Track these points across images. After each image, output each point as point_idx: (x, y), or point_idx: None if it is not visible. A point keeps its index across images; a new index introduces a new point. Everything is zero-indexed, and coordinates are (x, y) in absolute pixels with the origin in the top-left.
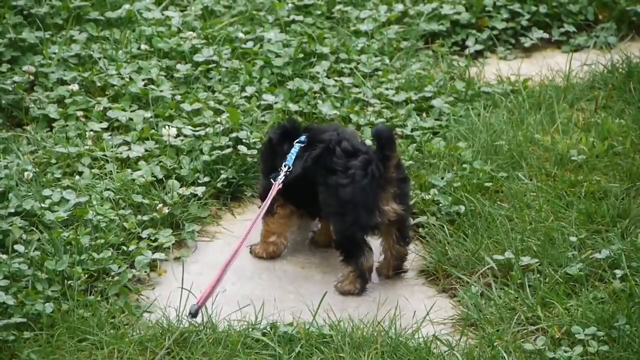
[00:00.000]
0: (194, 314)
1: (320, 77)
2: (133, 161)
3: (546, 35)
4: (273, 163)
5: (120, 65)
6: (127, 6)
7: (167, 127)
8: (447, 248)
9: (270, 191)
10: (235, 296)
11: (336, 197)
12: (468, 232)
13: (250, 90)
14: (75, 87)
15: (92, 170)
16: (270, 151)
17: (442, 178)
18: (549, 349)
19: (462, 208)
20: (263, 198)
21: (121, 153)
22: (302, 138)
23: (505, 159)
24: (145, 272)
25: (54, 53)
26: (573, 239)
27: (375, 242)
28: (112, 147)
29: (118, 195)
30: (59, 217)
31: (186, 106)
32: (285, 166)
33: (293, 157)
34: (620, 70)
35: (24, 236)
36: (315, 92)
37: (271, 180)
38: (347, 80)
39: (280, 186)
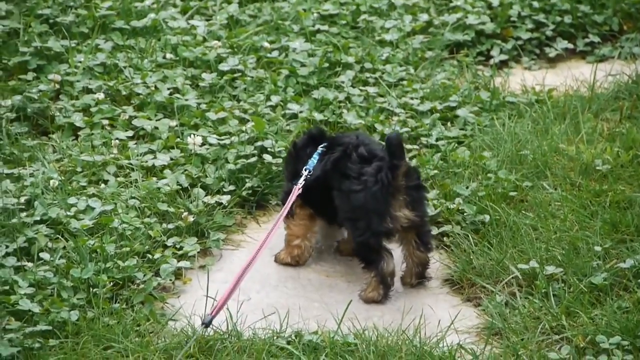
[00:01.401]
0: (207, 324)
1: (345, 87)
2: (158, 169)
3: (571, 46)
4: (296, 168)
5: (145, 74)
6: (152, 15)
7: (192, 135)
8: (471, 257)
9: (290, 195)
10: (260, 304)
11: (349, 202)
12: (493, 242)
13: (275, 99)
14: (100, 95)
15: (118, 179)
16: (294, 156)
17: (467, 187)
18: (574, 358)
19: (487, 217)
20: (284, 202)
21: (146, 161)
22: (326, 143)
23: (530, 169)
24: (171, 280)
25: (80, 62)
26: (598, 248)
27: (397, 252)
28: (138, 156)
29: (143, 203)
30: (85, 225)
31: (211, 115)
32: (306, 170)
33: (315, 161)
34: None
35: (50, 244)
36: (340, 102)
37: (292, 184)
38: (372, 90)
39: (300, 190)
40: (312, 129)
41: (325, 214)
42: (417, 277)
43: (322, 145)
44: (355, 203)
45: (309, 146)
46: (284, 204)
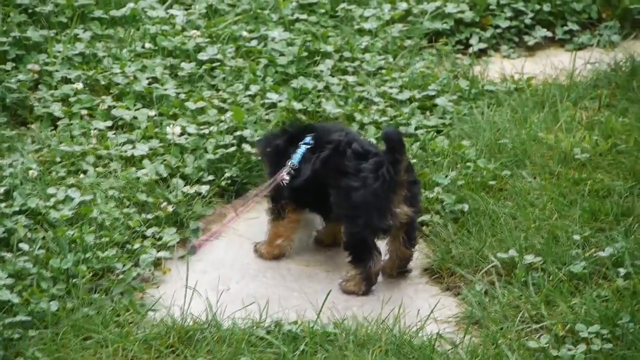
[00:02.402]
0: (192, 252)
1: (324, 76)
2: (137, 159)
3: (550, 34)
4: (280, 166)
5: (124, 63)
6: (131, 5)
7: (171, 125)
8: (451, 246)
9: (274, 181)
10: (240, 294)
11: (348, 199)
12: (472, 230)
13: (254, 88)
14: (79, 85)
15: (97, 169)
16: (276, 154)
17: (446, 176)
18: (553, 347)
19: (466, 206)
20: (275, 200)
21: (125, 151)
22: (308, 139)
23: (509, 157)
24: (150, 270)
25: (59, 51)
26: (577, 237)
27: (380, 243)
28: (117, 146)
29: (122, 193)
30: (64, 215)
31: (190, 105)
32: (290, 163)
33: (299, 156)
34: (623, 68)
35: (29, 234)
36: (319, 91)
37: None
38: (351, 79)
39: (287, 182)
40: (288, 126)
41: (319, 210)
42: (398, 269)
43: (303, 142)
44: (355, 200)
45: (290, 144)
46: (274, 202)
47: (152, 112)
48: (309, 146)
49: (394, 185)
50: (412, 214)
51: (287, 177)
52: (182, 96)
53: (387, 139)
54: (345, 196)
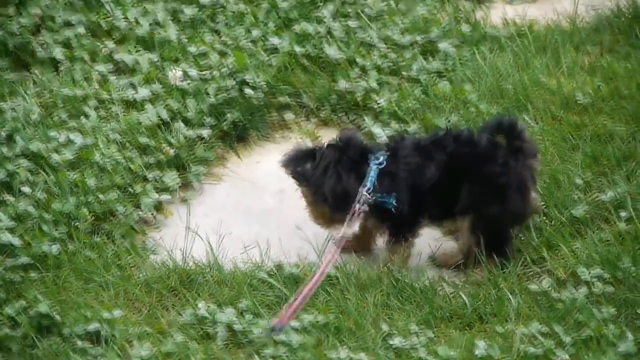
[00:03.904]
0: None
1: (326, 20)
2: (139, 103)
3: None
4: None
5: (126, 8)
6: None
7: (173, 69)
8: None
9: (352, 214)
10: (241, 237)
11: (492, 187)
12: None
13: (256, 33)
14: (81, 29)
15: (98, 113)
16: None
17: (448, 121)
18: (554, 290)
19: None
20: (397, 231)
21: (127, 95)
22: (381, 159)
23: (511, 102)
24: (151, 213)
25: None
26: (579, 181)
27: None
28: (118, 90)
29: (124, 137)
30: (65, 159)
31: (192, 49)
32: (364, 187)
33: (373, 178)
34: (626, 14)
35: (30, 178)
36: (321, 35)
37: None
38: (353, 23)
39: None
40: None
41: (434, 213)
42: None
43: (375, 162)
44: (502, 184)
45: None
46: (396, 235)
47: (154, 56)
48: (381, 165)
49: (532, 170)
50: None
51: (366, 207)
52: (184, 40)
53: (511, 128)
54: (488, 184)
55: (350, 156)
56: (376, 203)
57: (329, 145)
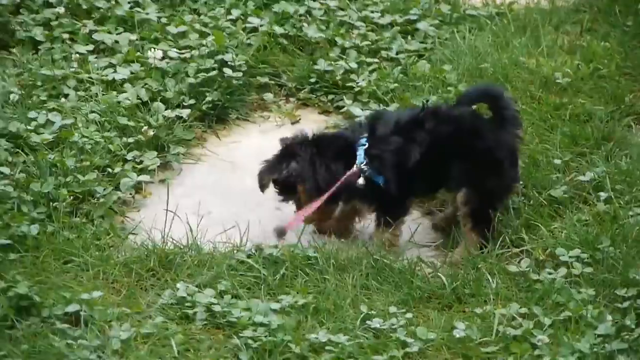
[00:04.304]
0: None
1: (305, 0)
2: (118, 84)
3: None
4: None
5: None
6: None
7: (152, 49)
8: None
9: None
10: (220, 218)
11: (485, 159)
12: None
13: (235, 13)
14: (61, 9)
15: (78, 93)
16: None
17: (427, 100)
18: (533, 271)
19: None
20: (390, 208)
21: (107, 75)
22: (363, 141)
23: (490, 82)
24: (131, 194)
25: None
26: (557, 161)
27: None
28: (98, 70)
29: (103, 117)
30: (45, 139)
31: (172, 29)
32: (360, 166)
33: (362, 157)
34: None
35: (10, 158)
36: (300, 15)
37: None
38: (332, 3)
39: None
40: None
41: (427, 189)
42: None
43: (360, 145)
44: (495, 157)
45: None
46: (390, 213)
47: (134, 36)
48: (365, 146)
49: (519, 139)
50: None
51: (362, 181)
52: (164, 20)
53: (497, 97)
54: (480, 157)
55: (331, 146)
56: (369, 178)
57: (300, 142)
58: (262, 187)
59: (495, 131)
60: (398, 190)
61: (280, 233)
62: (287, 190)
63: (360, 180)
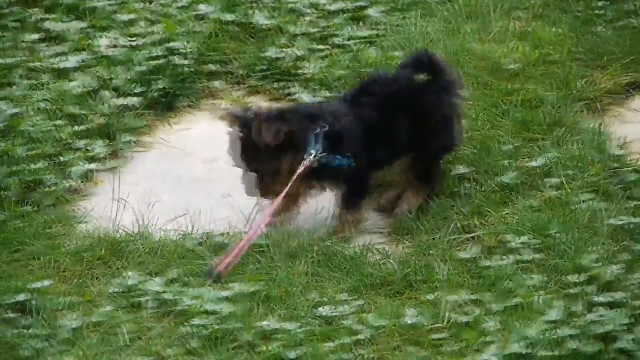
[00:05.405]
0: (215, 279)
1: None
2: (68, 72)
3: None
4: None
5: None
6: None
7: (102, 37)
8: None
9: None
10: (171, 206)
11: (430, 119)
12: None
13: (185, 0)
14: None
15: (28, 81)
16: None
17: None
18: (484, 258)
19: None
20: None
21: (57, 64)
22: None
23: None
24: (81, 182)
25: None
26: (509, 147)
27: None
28: (48, 58)
29: (54, 106)
30: None
31: (121, 16)
32: (312, 154)
33: (318, 145)
34: None
35: None
36: (250, 2)
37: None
38: None
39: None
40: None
41: (386, 160)
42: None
43: (316, 132)
44: (440, 117)
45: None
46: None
47: (84, 25)
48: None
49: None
50: None
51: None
52: (113, 8)
53: (431, 61)
54: (426, 118)
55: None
56: (325, 163)
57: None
58: (277, 138)
59: (434, 93)
60: (366, 164)
61: (213, 276)
62: (273, 156)
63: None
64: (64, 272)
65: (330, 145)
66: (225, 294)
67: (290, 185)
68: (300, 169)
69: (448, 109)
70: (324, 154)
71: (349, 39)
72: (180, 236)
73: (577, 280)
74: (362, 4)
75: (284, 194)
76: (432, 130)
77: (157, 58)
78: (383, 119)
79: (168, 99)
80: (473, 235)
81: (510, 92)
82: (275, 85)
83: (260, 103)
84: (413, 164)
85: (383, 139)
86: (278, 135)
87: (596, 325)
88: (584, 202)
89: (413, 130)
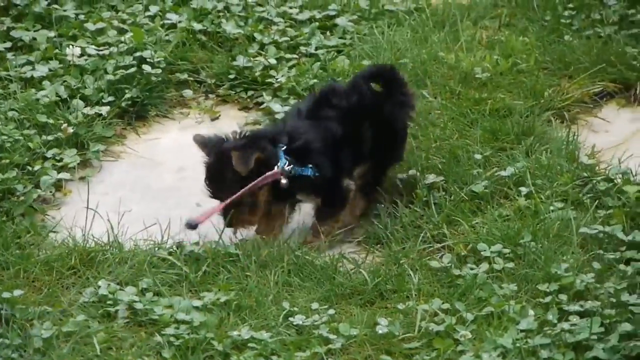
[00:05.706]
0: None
1: None
2: (37, 81)
3: None
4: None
5: None
6: None
7: (71, 46)
8: None
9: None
10: (141, 215)
11: (394, 127)
12: None
13: (154, 9)
14: None
15: None
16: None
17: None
18: (455, 267)
19: None
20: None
21: (25, 73)
22: (281, 145)
23: (410, 77)
24: (51, 192)
25: None
26: (478, 156)
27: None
28: (16, 67)
29: (22, 115)
30: None
31: (90, 25)
32: (285, 169)
33: (285, 160)
34: None
35: None
36: (219, 11)
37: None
38: None
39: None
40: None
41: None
42: None
43: (282, 148)
44: (402, 125)
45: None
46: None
47: (52, 33)
48: (283, 148)
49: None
50: None
51: (285, 181)
52: (82, 17)
53: (390, 74)
54: (390, 124)
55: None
56: (295, 176)
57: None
58: (247, 165)
59: (390, 105)
60: (333, 172)
61: (191, 226)
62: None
63: (284, 181)
64: (34, 281)
65: (295, 160)
66: (197, 303)
67: (248, 187)
68: (268, 175)
69: (405, 121)
70: (291, 166)
71: (317, 48)
72: (151, 245)
73: (548, 290)
74: (331, 13)
75: (236, 196)
76: (391, 140)
77: (126, 67)
78: (345, 130)
79: (137, 108)
80: (444, 244)
81: (479, 101)
82: (244, 94)
83: (230, 112)
84: (364, 173)
85: (345, 149)
86: (248, 163)
87: (568, 334)
88: (553, 211)
89: (374, 139)
